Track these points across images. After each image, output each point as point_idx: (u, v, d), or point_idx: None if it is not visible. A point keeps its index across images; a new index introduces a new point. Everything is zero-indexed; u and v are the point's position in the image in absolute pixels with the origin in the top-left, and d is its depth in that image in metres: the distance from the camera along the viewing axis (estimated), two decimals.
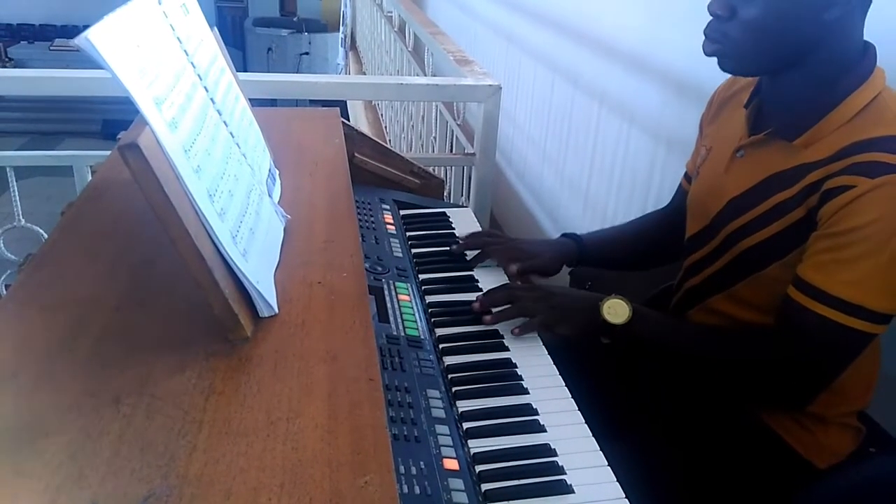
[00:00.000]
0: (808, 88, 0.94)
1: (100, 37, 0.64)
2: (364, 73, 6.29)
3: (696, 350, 1.02)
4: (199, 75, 0.89)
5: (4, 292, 2.03)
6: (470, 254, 1.24)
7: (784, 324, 0.94)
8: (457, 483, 0.75)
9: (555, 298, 1.04)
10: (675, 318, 1.14)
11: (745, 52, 0.93)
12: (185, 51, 0.87)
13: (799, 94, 0.95)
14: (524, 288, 1.08)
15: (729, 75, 1.12)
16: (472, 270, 1.21)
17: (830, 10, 0.87)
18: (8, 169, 1.89)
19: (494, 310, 1.04)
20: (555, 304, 1.04)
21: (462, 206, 1.55)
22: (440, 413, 0.84)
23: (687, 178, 1.23)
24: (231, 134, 0.94)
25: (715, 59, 0.97)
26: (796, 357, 0.91)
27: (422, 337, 0.98)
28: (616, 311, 1.00)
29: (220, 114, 0.93)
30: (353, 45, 7.39)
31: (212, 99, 0.91)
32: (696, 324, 1.11)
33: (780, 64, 0.94)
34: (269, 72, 8.11)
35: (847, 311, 0.86)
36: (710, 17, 0.95)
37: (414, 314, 1.03)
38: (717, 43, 0.94)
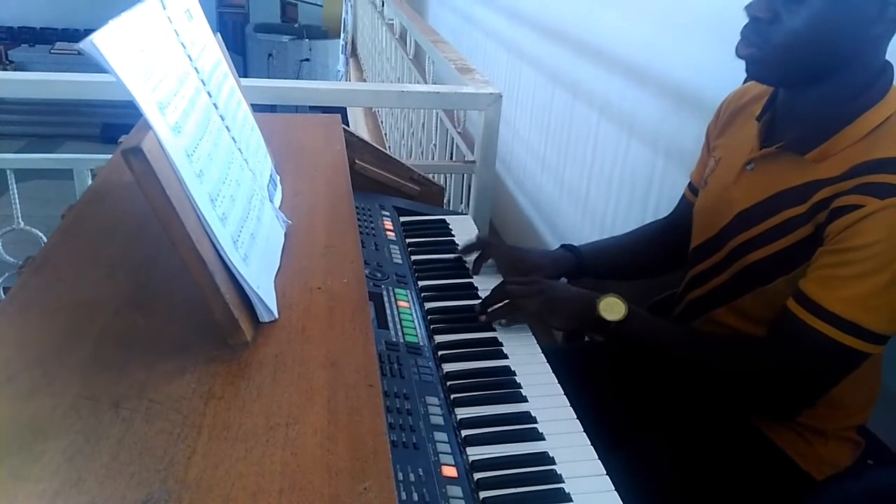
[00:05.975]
0: (825, 103, 0.93)
1: (105, 41, 0.64)
2: (365, 81, 6.30)
3: (687, 353, 1.02)
4: (202, 80, 0.90)
5: (3, 295, 2.02)
6: (469, 259, 1.24)
7: (778, 334, 0.94)
8: (455, 490, 0.74)
9: (549, 291, 1.07)
10: (670, 321, 1.15)
11: (783, 61, 0.91)
12: (188, 56, 0.88)
13: (815, 109, 0.94)
14: (519, 282, 1.09)
15: (736, 87, 1.12)
16: (472, 277, 1.21)
17: (876, 25, 0.86)
18: (8, 171, 1.90)
19: (490, 309, 1.06)
20: (549, 296, 1.06)
21: (462, 214, 1.55)
22: (439, 420, 0.84)
23: (691, 189, 1.22)
24: (233, 139, 0.94)
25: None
26: (786, 367, 0.91)
27: (421, 344, 0.98)
28: (612, 308, 1.02)
29: (222, 119, 0.93)
30: (354, 52, 7.41)
31: (214, 104, 0.92)
32: (689, 328, 1.11)
33: (811, 75, 0.92)
34: (269, 78, 8.12)
35: (842, 328, 0.86)
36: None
37: (413, 321, 1.03)
38: (755, 47, 0.91)
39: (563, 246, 1.28)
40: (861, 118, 0.90)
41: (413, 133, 3.56)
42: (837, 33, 0.87)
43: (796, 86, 0.96)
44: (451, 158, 2.84)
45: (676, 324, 1.14)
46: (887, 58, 0.93)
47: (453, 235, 1.36)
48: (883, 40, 0.89)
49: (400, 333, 0.99)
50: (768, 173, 0.99)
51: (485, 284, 1.17)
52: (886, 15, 0.85)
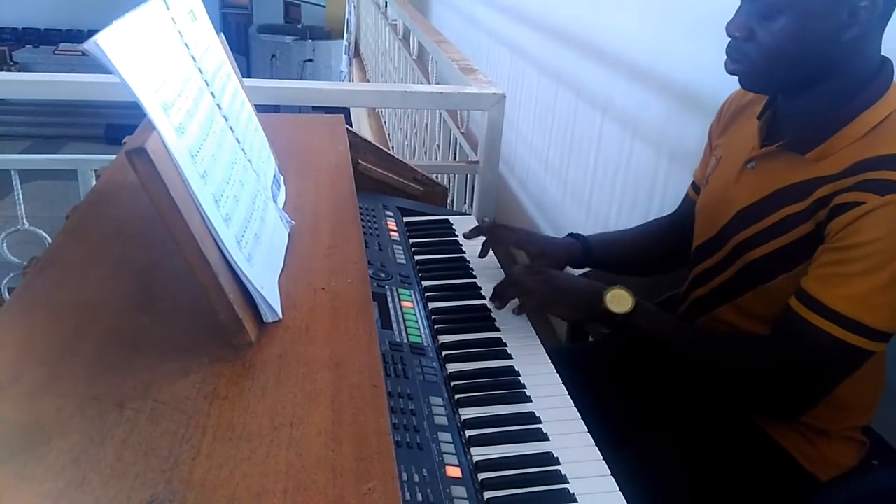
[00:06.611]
0: (823, 103, 0.93)
1: (109, 42, 0.64)
2: (368, 81, 6.30)
3: (691, 349, 1.02)
4: (205, 81, 0.90)
5: (7, 295, 2.03)
6: (471, 244, 1.25)
7: (781, 332, 0.94)
8: (459, 491, 0.74)
9: (556, 281, 1.08)
10: (676, 317, 1.15)
11: (766, 74, 0.93)
12: (192, 56, 0.88)
13: (814, 109, 0.95)
14: (525, 270, 1.10)
15: (738, 86, 1.12)
16: (476, 278, 1.21)
17: (849, 30, 0.86)
18: (12, 172, 1.90)
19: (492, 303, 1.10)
20: (555, 285, 1.07)
21: (465, 214, 1.55)
22: (443, 420, 0.84)
23: (694, 187, 1.23)
24: (237, 139, 0.94)
25: (720, 71, 0.97)
26: (790, 366, 0.91)
27: (425, 344, 0.98)
28: (619, 300, 1.01)
29: (226, 119, 0.93)
30: (357, 53, 7.42)
31: (218, 104, 0.92)
32: (695, 325, 1.11)
33: (799, 83, 0.94)
34: (272, 78, 8.12)
35: (845, 326, 0.86)
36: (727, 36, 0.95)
37: (417, 321, 1.03)
38: (738, 63, 0.94)
39: (570, 234, 1.29)
40: (860, 117, 0.90)
41: (416, 133, 3.57)
42: (812, 42, 0.89)
43: (789, 92, 0.98)
44: (455, 159, 2.84)
45: (682, 320, 1.14)
46: (890, 56, 0.92)
47: (457, 236, 1.36)
48: (865, 41, 0.89)
49: (404, 334, 0.99)
50: (769, 171, 1.00)
51: (488, 285, 1.17)
52: (859, 18, 0.86)
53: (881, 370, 1.00)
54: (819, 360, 0.89)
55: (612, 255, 1.28)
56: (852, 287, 0.86)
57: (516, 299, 1.10)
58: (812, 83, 0.93)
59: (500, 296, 1.10)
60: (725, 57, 0.96)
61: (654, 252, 1.29)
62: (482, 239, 1.27)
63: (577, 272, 1.36)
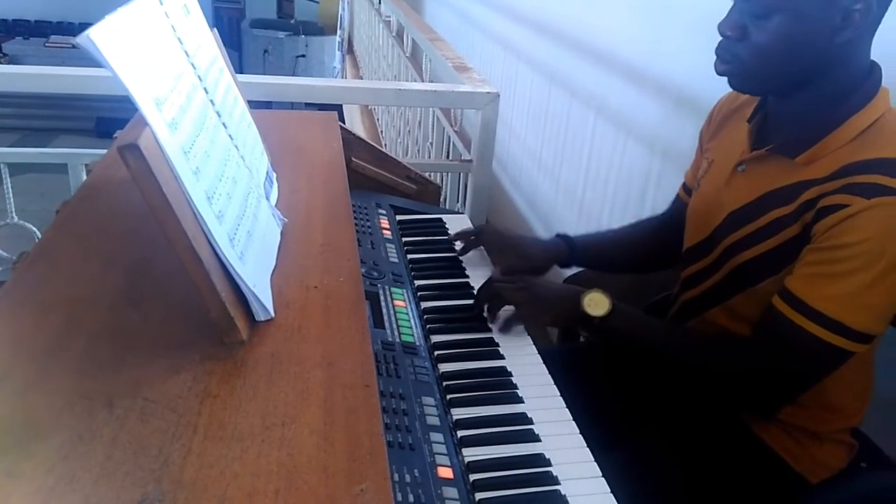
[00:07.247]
0: (813, 107, 0.94)
1: (101, 36, 0.64)
2: (361, 78, 6.28)
3: (671, 349, 1.03)
4: (199, 76, 0.89)
5: None
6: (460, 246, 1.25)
7: (763, 331, 0.95)
8: (451, 492, 0.74)
9: (535, 289, 1.08)
10: (654, 318, 1.15)
11: (756, 74, 0.93)
12: (185, 51, 0.87)
13: (804, 112, 0.95)
14: (505, 280, 1.10)
15: (730, 89, 1.13)
16: (468, 277, 1.21)
17: (842, 33, 0.87)
18: (1, 165, 1.89)
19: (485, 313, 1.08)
20: (535, 293, 1.07)
21: (458, 213, 1.55)
22: (435, 421, 0.84)
23: (685, 188, 1.23)
24: (230, 136, 0.94)
25: (714, 72, 0.97)
26: (770, 364, 0.92)
27: (417, 343, 0.98)
28: (596, 303, 1.02)
29: (219, 115, 0.92)
30: (351, 49, 7.40)
31: (211, 100, 0.91)
32: (674, 325, 1.12)
33: (789, 85, 0.94)
34: (264, 74, 8.08)
35: (825, 326, 0.87)
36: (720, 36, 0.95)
37: (409, 320, 1.03)
38: (728, 63, 0.94)
39: (557, 235, 1.29)
40: (849, 121, 0.91)
41: (409, 131, 3.56)
42: (805, 44, 0.89)
43: (779, 93, 0.98)
44: (448, 157, 2.83)
45: (660, 320, 1.15)
46: (879, 60, 0.93)
47: (449, 234, 1.36)
48: (856, 45, 0.90)
49: (396, 333, 0.98)
50: (758, 174, 1.00)
51: (480, 283, 1.17)
52: (851, 21, 0.86)
53: (869, 372, 1.00)
54: (799, 358, 0.90)
55: (601, 254, 1.29)
56: (835, 287, 0.87)
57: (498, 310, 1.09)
58: (802, 85, 0.93)
59: (481, 308, 1.09)
60: (715, 58, 0.96)
61: (642, 251, 1.29)
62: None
63: (568, 273, 1.36)
